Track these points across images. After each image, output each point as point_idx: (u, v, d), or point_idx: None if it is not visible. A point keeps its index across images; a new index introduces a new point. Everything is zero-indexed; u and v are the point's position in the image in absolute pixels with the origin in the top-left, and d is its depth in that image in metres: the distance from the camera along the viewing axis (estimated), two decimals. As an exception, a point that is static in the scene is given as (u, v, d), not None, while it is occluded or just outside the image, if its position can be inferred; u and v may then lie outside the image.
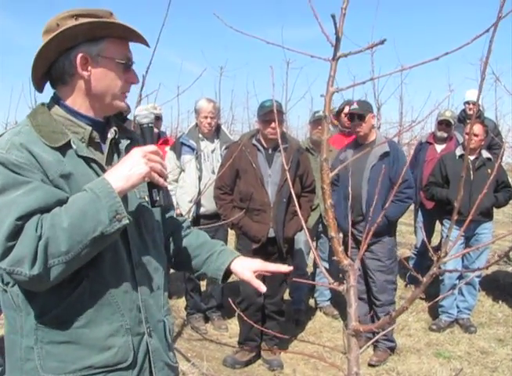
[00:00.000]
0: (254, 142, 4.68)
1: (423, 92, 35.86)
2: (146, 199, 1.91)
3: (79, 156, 1.78)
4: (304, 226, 2.12)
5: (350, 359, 1.75)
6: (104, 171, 1.79)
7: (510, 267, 8.03)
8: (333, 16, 1.43)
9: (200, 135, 5.48)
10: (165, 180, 1.84)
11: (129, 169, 1.72)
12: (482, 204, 5.27)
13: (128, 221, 1.69)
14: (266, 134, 4.57)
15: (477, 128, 5.41)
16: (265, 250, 4.65)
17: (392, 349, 5.04)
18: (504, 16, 1.24)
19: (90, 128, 1.84)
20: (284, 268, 1.96)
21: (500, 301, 6.51)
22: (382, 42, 1.54)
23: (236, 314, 5.22)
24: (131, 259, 1.87)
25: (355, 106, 4.83)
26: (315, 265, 6.62)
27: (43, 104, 1.87)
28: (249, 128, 17.44)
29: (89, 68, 1.80)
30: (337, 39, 1.51)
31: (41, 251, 1.55)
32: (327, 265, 5.97)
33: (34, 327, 1.76)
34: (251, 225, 4.61)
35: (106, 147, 1.91)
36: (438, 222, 6.58)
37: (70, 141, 1.76)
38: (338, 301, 6.05)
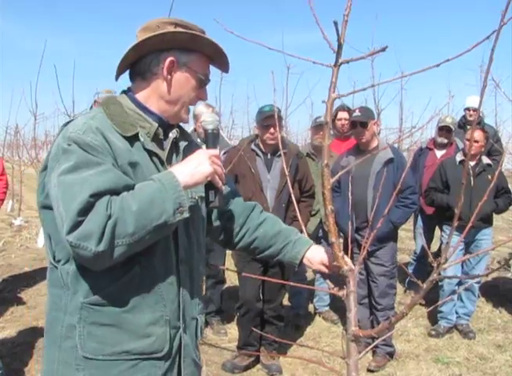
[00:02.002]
0: (253, 147, 4.69)
1: (423, 98, 35.95)
2: (197, 199, 2.02)
3: (144, 148, 1.88)
4: (305, 231, 2.13)
5: (349, 364, 1.76)
6: (164, 166, 1.92)
7: (510, 273, 8.03)
8: (335, 23, 1.44)
9: (199, 141, 5.49)
10: (223, 184, 1.95)
11: (195, 167, 1.83)
12: (482, 209, 5.26)
13: (188, 215, 1.79)
14: (265, 139, 4.58)
15: (478, 135, 5.42)
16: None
17: (391, 355, 5.04)
18: (505, 23, 1.25)
19: (156, 125, 1.96)
20: (350, 264, 1.97)
21: (499, 308, 6.51)
22: (383, 49, 1.55)
23: (236, 319, 5.22)
24: (177, 254, 1.96)
25: (357, 113, 4.83)
26: (315, 271, 6.61)
27: (117, 96, 2.01)
28: (249, 132, 17.45)
29: (172, 73, 1.93)
30: (339, 46, 1.52)
31: (109, 229, 1.63)
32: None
33: (79, 306, 1.82)
34: (251, 229, 4.61)
35: (167, 145, 2.01)
36: (437, 228, 6.59)
37: (138, 133, 1.87)
38: (337, 307, 6.05)
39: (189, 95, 1.99)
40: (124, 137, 1.83)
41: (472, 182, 5.37)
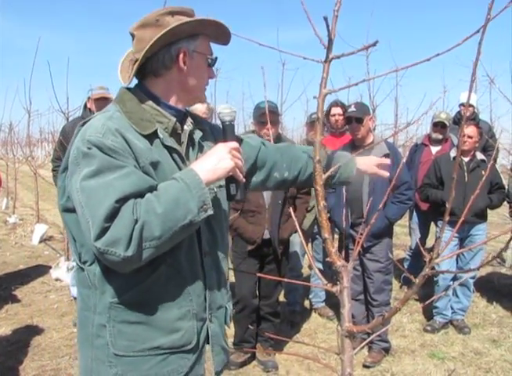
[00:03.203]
0: (249, 143, 4.67)
1: (419, 93, 35.97)
2: (216, 190, 2.02)
3: (164, 145, 1.88)
4: (299, 228, 2.13)
5: (343, 360, 1.76)
6: (184, 162, 1.92)
7: (504, 268, 8.06)
8: (325, 18, 1.43)
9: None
10: (244, 176, 1.94)
11: (216, 163, 1.83)
12: (476, 205, 5.28)
13: (212, 211, 1.80)
14: (262, 135, 4.57)
15: (472, 130, 5.43)
16: (260, 251, 4.66)
17: (387, 350, 5.05)
18: (492, 19, 1.25)
19: (174, 119, 1.96)
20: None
21: (494, 303, 6.53)
22: (375, 44, 1.55)
23: (231, 315, 5.22)
24: (200, 248, 1.98)
25: (352, 109, 4.82)
26: (311, 267, 6.63)
27: (128, 91, 1.96)
28: (244, 129, 17.44)
29: (186, 63, 1.93)
30: (330, 41, 1.52)
31: (137, 234, 1.63)
32: (322, 267, 5.99)
33: (107, 306, 1.85)
34: (246, 226, 4.61)
35: (184, 139, 2.02)
36: (432, 224, 6.61)
37: (156, 130, 1.87)
38: (333, 303, 6.05)
39: (204, 77, 2.02)
40: (143, 136, 1.83)
41: (466, 178, 5.38)
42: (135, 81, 2.00)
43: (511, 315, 6.17)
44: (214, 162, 1.83)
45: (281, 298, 5.57)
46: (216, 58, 2.03)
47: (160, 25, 1.86)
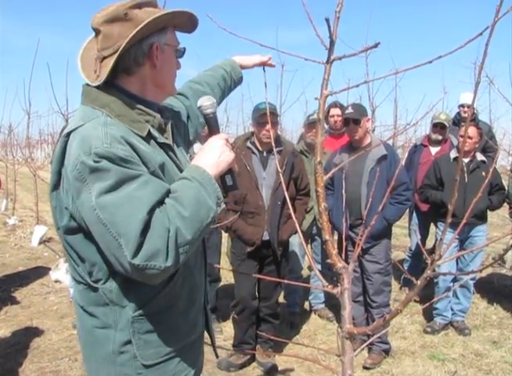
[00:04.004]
0: (248, 144, 4.67)
1: (418, 94, 35.96)
2: None
3: (158, 143, 1.84)
4: (299, 229, 2.13)
5: (344, 362, 1.75)
6: (177, 157, 1.91)
7: (504, 269, 8.05)
8: (327, 20, 1.43)
9: None
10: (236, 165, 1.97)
11: (218, 157, 1.84)
12: (476, 206, 5.27)
13: (224, 205, 1.82)
14: (261, 137, 4.57)
15: (472, 131, 5.42)
16: (260, 253, 4.65)
17: (387, 352, 5.04)
18: (499, 19, 1.24)
19: (159, 115, 1.91)
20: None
21: (494, 304, 6.52)
22: (376, 46, 1.55)
23: (231, 317, 5.21)
24: (203, 239, 2.00)
25: (350, 110, 4.82)
26: (310, 268, 6.62)
27: (102, 91, 1.81)
28: (244, 130, 17.45)
29: (159, 57, 1.86)
30: (331, 42, 1.51)
31: (172, 242, 1.60)
32: (320, 268, 5.98)
33: (130, 321, 1.81)
34: (246, 228, 4.60)
35: (169, 133, 1.98)
36: (432, 225, 6.60)
37: (149, 130, 1.82)
38: (333, 304, 6.04)
39: (174, 70, 1.98)
40: (143, 137, 1.77)
41: (466, 179, 5.37)
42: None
43: (511, 316, 6.16)
44: (217, 156, 1.84)
45: (281, 299, 5.57)
46: (184, 48, 1.98)
47: (129, 19, 1.76)
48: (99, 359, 1.90)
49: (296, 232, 4.75)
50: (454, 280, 5.68)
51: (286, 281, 2.88)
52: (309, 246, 6.20)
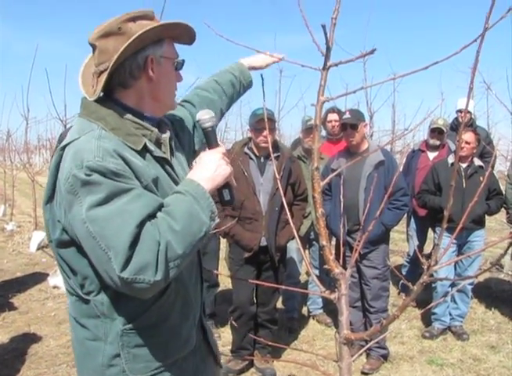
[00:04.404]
0: (246, 150, 4.68)
1: (416, 99, 36.08)
2: None
3: (154, 157, 1.82)
4: (296, 235, 2.13)
5: (342, 368, 1.76)
6: (174, 171, 1.89)
7: (502, 274, 8.06)
8: (323, 26, 1.44)
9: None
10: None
11: (214, 171, 1.83)
12: (474, 211, 5.29)
13: (218, 219, 1.79)
14: (258, 142, 4.57)
15: (469, 136, 5.43)
16: (257, 258, 4.65)
17: (385, 357, 5.04)
18: (490, 28, 1.25)
19: (156, 130, 1.89)
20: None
21: (493, 309, 6.52)
22: (372, 52, 1.55)
23: (229, 323, 5.21)
24: (198, 252, 1.99)
25: (347, 115, 4.83)
26: (308, 273, 6.62)
27: (99, 104, 1.81)
28: (242, 136, 17.46)
29: (154, 69, 1.84)
30: (328, 49, 1.52)
31: (162, 255, 1.58)
32: (318, 273, 5.98)
33: (119, 334, 1.79)
34: (243, 233, 4.60)
35: (166, 147, 1.95)
36: (430, 230, 6.61)
37: (145, 143, 1.80)
38: (331, 310, 6.04)
39: (173, 83, 1.96)
40: (137, 151, 1.75)
41: (464, 184, 5.38)
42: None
43: (509, 321, 6.17)
44: (212, 170, 1.82)
45: (279, 304, 5.57)
46: (183, 60, 1.95)
47: (123, 33, 1.76)
48: (90, 371, 1.89)
49: (293, 237, 4.76)
50: (452, 285, 5.69)
51: (284, 287, 2.88)
52: (307, 251, 6.21)
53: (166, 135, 1.95)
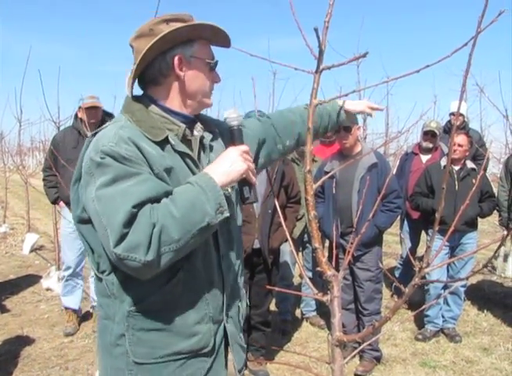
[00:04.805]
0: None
1: (409, 102, 36.13)
2: (230, 191, 1.99)
3: (175, 151, 1.89)
4: (289, 238, 2.14)
5: (334, 370, 1.76)
6: (197, 166, 1.93)
7: (495, 276, 8.09)
8: (315, 30, 1.45)
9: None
10: (255, 178, 1.98)
11: (229, 166, 1.86)
12: (467, 214, 5.31)
13: (228, 214, 1.81)
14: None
15: (462, 139, 5.45)
16: (251, 261, 4.65)
17: (378, 359, 5.04)
18: (481, 32, 1.26)
19: (184, 126, 1.97)
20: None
21: (485, 311, 6.54)
22: (364, 55, 1.56)
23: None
24: (218, 251, 2.00)
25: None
26: (302, 276, 6.62)
27: (135, 100, 1.96)
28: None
29: (184, 69, 1.93)
30: (320, 52, 1.53)
31: (156, 238, 1.64)
32: (312, 275, 5.98)
33: (125, 315, 1.87)
34: (237, 235, 4.59)
35: (195, 144, 2.02)
36: (423, 232, 6.63)
37: (167, 136, 1.88)
38: (324, 312, 6.04)
39: (206, 82, 2.00)
40: (155, 142, 1.84)
41: (457, 187, 5.40)
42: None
43: (502, 323, 6.19)
44: (228, 165, 1.86)
45: (272, 307, 5.57)
46: (216, 61, 2.02)
47: (153, 34, 1.86)
48: (102, 349, 2.01)
49: (287, 240, 4.77)
50: (445, 287, 5.70)
51: (277, 289, 2.89)
52: (300, 253, 6.21)
53: (198, 134, 2.03)
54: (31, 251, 9.76)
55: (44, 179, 5.88)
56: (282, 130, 2.39)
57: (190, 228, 1.69)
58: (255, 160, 2.30)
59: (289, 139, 2.41)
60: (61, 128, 7.72)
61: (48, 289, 7.24)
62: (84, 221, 1.88)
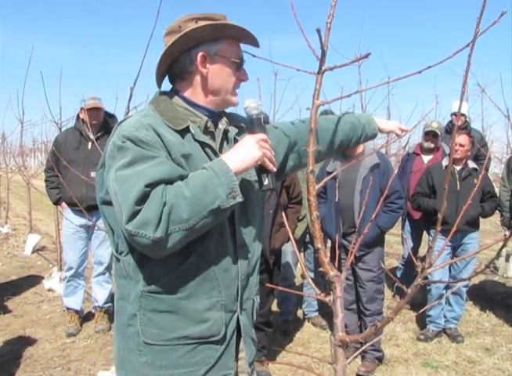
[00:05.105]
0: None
1: (411, 102, 36.12)
2: (251, 179, 2.07)
3: (196, 140, 1.95)
4: (292, 238, 2.14)
5: (337, 370, 1.76)
6: (218, 156, 1.96)
7: (497, 276, 8.09)
8: (318, 31, 1.45)
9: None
10: (274, 166, 1.99)
11: (244, 153, 1.88)
12: (468, 214, 5.30)
13: (241, 199, 1.83)
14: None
15: (463, 139, 5.45)
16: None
17: (380, 359, 5.04)
18: (482, 33, 1.27)
19: (206, 118, 2.04)
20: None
21: (487, 311, 6.54)
22: (366, 56, 1.57)
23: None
24: (235, 240, 2.03)
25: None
26: (304, 276, 6.62)
27: (162, 93, 2.07)
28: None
29: (207, 66, 1.99)
30: (323, 53, 1.53)
31: (165, 216, 1.69)
32: (314, 276, 5.98)
33: (139, 295, 1.93)
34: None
35: (218, 136, 2.08)
36: (425, 232, 6.62)
37: (189, 126, 1.95)
38: (326, 312, 6.03)
39: (230, 80, 2.04)
40: (176, 131, 1.91)
41: (458, 187, 5.40)
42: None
43: (504, 323, 6.18)
44: (243, 152, 1.89)
45: (274, 307, 5.57)
46: (241, 60, 2.06)
47: (180, 31, 1.93)
48: (117, 330, 2.09)
49: (288, 240, 4.76)
50: (447, 288, 5.70)
51: (280, 288, 2.89)
52: (302, 254, 6.21)
53: (221, 127, 2.09)
54: (33, 251, 9.76)
55: (46, 180, 5.89)
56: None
57: (201, 209, 1.74)
58: (284, 163, 2.35)
59: (321, 144, 2.39)
60: (63, 129, 7.73)
61: (50, 290, 7.24)
62: (106, 202, 1.95)
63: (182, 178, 1.80)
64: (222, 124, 2.10)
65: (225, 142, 2.08)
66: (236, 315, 2.05)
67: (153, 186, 1.71)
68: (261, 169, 1.99)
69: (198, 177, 1.79)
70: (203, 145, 1.96)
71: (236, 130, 2.13)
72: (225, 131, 2.09)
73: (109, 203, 1.91)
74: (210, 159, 1.94)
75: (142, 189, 1.69)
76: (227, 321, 2.01)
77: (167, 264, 1.87)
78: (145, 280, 1.91)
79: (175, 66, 2.02)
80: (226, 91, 2.05)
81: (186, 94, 2.04)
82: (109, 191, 1.84)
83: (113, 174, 1.79)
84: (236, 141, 2.08)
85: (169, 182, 1.76)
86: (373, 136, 2.61)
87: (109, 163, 1.86)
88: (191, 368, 1.96)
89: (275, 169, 2.01)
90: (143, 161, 1.77)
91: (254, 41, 2.08)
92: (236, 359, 2.11)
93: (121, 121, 1.97)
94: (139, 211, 1.69)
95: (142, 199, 1.69)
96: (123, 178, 1.75)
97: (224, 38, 2.00)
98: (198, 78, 2.01)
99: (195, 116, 2.01)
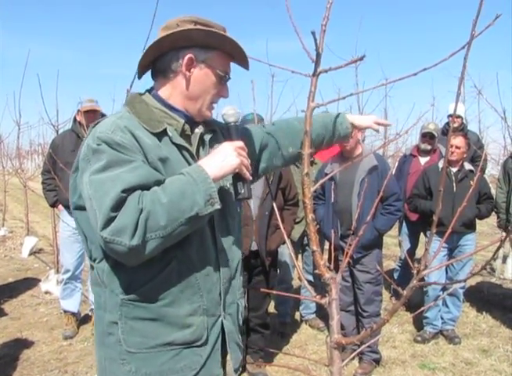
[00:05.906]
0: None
1: (408, 104, 36.21)
2: (229, 187, 2.04)
3: (173, 143, 1.92)
4: (287, 240, 2.14)
5: (333, 372, 1.77)
6: (194, 160, 1.94)
7: (494, 278, 8.09)
8: (313, 33, 1.45)
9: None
10: (250, 174, 1.97)
11: (222, 160, 1.87)
12: (465, 215, 5.31)
13: (219, 206, 1.80)
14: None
15: (459, 141, 5.46)
16: (248, 263, 4.65)
17: (377, 361, 5.04)
18: (477, 36, 1.27)
19: (183, 121, 1.99)
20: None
21: (484, 312, 6.54)
22: (362, 58, 1.57)
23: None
24: (215, 244, 2.00)
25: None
26: (301, 278, 6.62)
27: (137, 94, 2.03)
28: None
29: (192, 70, 1.96)
30: (318, 55, 1.54)
31: (142, 223, 1.65)
32: (312, 278, 5.98)
33: (119, 303, 1.89)
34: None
35: (195, 140, 2.04)
36: (422, 234, 6.63)
37: (166, 129, 1.91)
38: (324, 314, 6.04)
39: (209, 91, 2.01)
40: (153, 134, 1.87)
41: (455, 189, 5.40)
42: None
43: (501, 324, 6.19)
44: (221, 159, 1.87)
45: (271, 309, 5.57)
46: (227, 76, 2.03)
47: (177, 29, 1.91)
48: (97, 340, 2.03)
49: (285, 242, 4.76)
50: (444, 289, 5.70)
51: (275, 292, 2.89)
52: (300, 256, 6.21)
53: (198, 131, 2.05)
54: (30, 254, 9.75)
55: (43, 182, 5.88)
56: (285, 137, 2.40)
57: (178, 216, 1.70)
58: (256, 165, 2.33)
59: (292, 146, 2.40)
60: (60, 132, 7.72)
61: (47, 292, 7.23)
62: (79, 207, 1.90)
63: (158, 183, 1.77)
64: (199, 128, 2.07)
65: (200, 147, 2.06)
66: (220, 319, 2.03)
67: (129, 191, 1.68)
68: (237, 177, 1.97)
69: (176, 183, 1.76)
70: (180, 148, 1.93)
71: (211, 134, 2.11)
72: (201, 136, 2.07)
73: (82, 208, 1.86)
74: (188, 162, 1.92)
75: (119, 194, 1.65)
76: (209, 325, 1.99)
77: (147, 271, 1.84)
78: (123, 287, 1.87)
79: (161, 61, 1.98)
80: (203, 100, 2.01)
81: (164, 94, 2.00)
82: (83, 195, 1.78)
83: (88, 178, 1.74)
84: (210, 145, 2.06)
85: (146, 187, 1.73)
86: (347, 135, 2.57)
87: (83, 166, 1.81)
88: (176, 375, 1.94)
89: (251, 178, 2.00)
90: (119, 165, 1.72)
91: (244, 63, 2.06)
92: (224, 366, 2.09)
93: (96, 123, 1.93)
94: (115, 217, 1.64)
95: (118, 205, 1.65)
96: (98, 182, 1.71)
97: (216, 49, 1.98)
98: (180, 80, 1.97)
99: (171, 118, 1.98)
